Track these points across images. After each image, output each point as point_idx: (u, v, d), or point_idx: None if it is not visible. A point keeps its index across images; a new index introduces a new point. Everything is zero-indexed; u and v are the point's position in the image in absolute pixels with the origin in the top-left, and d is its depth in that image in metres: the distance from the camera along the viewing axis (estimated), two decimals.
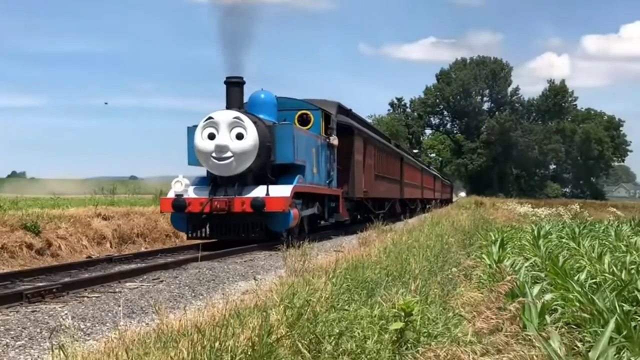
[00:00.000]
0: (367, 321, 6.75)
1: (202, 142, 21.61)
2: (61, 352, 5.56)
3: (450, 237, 16.84)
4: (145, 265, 16.41)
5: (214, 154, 21.48)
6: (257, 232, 21.35)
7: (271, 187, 21.46)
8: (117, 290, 12.11)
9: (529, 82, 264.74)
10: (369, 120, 59.85)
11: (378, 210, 37.02)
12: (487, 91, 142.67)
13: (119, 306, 10.04)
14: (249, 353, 5.39)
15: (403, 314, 6.46)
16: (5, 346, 7.79)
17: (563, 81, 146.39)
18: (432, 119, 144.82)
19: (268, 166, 22.59)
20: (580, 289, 8.33)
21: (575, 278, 9.50)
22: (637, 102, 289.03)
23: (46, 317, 9.41)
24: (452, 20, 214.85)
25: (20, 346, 7.85)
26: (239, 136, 21.46)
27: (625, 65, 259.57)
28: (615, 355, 5.30)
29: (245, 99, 23.42)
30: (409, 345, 6.27)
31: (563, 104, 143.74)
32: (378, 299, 7.59)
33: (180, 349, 5.29)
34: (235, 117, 21.53)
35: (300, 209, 23.35)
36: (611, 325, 5.88)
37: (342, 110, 30.68)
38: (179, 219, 21.97)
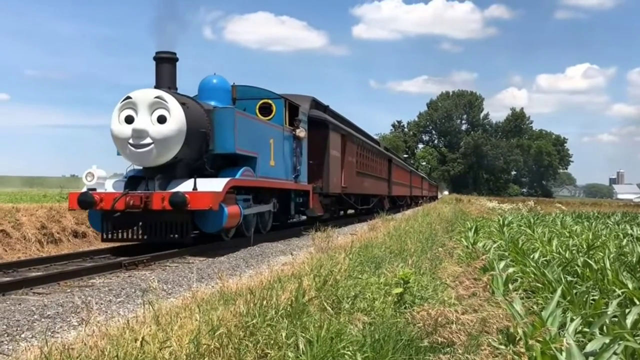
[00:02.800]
0: (375, 287, 6.42)
1: (118, 126, 12.41)
2: (150, 306, 5.13)
3: (437, 225, 16.51)
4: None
5: (131, 140, 12.28)
6: (183, 234, 12.08)
7: (200, 180, 12.32)
8: (190, 262, 11.11)
9: (496, 109, 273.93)
10: (375, 135, 49.39)
11: (362, 205, 27.58)
12: (464, 116, 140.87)
13: (192, 273, 9.49)
14: (288, 309, 5.05)
15: (402, 281, 6.20)
16: (109, 302, 7.28)
17: (522, 109, 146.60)
18: (423, 136, 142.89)
19: (207, 157, 13.30)
20: (535, 265, 8.04)
21: (531, 256, 9.01)
22: (578, 125, 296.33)
23: (139, 281, 8.69)
24: (439, 63, 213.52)
25: (119, 302, 7.35)
26: (161, 119, 12.26)
27: (569, 97, 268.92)
28: (561, 314, 5.11)
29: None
30: (406, 305, 5.93)
31: (522, 126, 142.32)
32: (383, 271, 7.25)
33: (238, 305, 5.06)
34: (157, 97, 12.32)
35: (248, 206, 14.06)
36: (558, 292, 5.63)
37: (317, 105, 21.36)
38: (95, 218, 12.68)
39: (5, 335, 5.68)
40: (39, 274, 9.16)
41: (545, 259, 9.10)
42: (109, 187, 12.66)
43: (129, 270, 9.98)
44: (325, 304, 5.45)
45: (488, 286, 7.02)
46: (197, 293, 6.28)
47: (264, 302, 5.13)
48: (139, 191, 12.25)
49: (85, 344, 4.18)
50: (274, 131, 15.74)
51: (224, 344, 4.25)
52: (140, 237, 12.36)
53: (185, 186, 12.20)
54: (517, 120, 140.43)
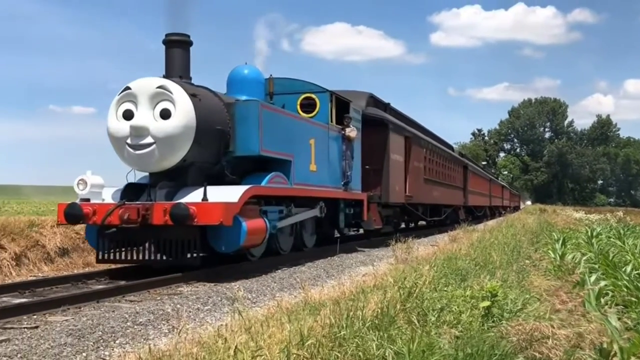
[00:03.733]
0: (461, 300, 6.20)
1: (115, 123, 10.09)
2: (239, 315, 5.20)
3: (521, 236, 15.76)
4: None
5: (129, 140, 9.89)
6: (193, 253, 9.64)
7: (213, 188, 9.84)
8: (272, 272, 10.62)
9: (581, 116, 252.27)
10: (455, 144, 44.19)
11: (432, 217, 24.58)
12: (548, 123, 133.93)
13: (275, 282, 9.45)
14: (375, 321, 4.94)
15: (490, 295, 5.93)
16: (197, 310, 7.25)
17: (608, 116, 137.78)
18: (505, 145, 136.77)
19: (226, 160, 10.80)
20: (627, 278, 7.64)
21: (623, 269, 8.46)
22: None
23: (224, 289, 8.59)
24: (521, 69, 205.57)
25: (207, 310, 7.33)
26: (165, 114, 9.84)
27: None
28: None
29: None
30: (494, 319, 5.68)
31: (608, 133, 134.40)
32: (469, 283, 7.03)
33: (324, 315, 4.97)
34: (160, 87, 9.92)
35: (277, 218, 11.46)
36: None
37: (376, 102, 18.62)
38: (92, 233, 10.35)
39: (101, 341, 5.77)
40: (131, 282, 8.81)
41: (638, 272, 8.48)
42: (107, 196, 10.30)
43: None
44: (411, 317, 5.33)
45: (580, 300, 6.81)
46: (282, 302, 6.38)
47: (350, 314, 5.01)
48: (139, 202, 9.82)
49: (178, 351, 4.28)
50: (315, 130, 13.12)
51: (313, 354, 4.27)
52: (142, 257, 9.91)
53: (195, 196, 9.73)
54: (603, 128, 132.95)
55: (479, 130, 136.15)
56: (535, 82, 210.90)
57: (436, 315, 5.56)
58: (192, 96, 10.00)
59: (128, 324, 6.36)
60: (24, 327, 6.18)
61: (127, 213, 9.52)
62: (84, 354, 5.28)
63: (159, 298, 7.94)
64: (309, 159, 12.69)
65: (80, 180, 10.21)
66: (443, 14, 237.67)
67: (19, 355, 5.15)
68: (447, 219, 27.34)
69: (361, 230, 18.60)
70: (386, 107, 19.20)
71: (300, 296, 6.86)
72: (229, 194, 9.77)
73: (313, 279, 10.02)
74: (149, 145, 9.77)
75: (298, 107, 13.74)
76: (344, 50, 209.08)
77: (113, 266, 10.48)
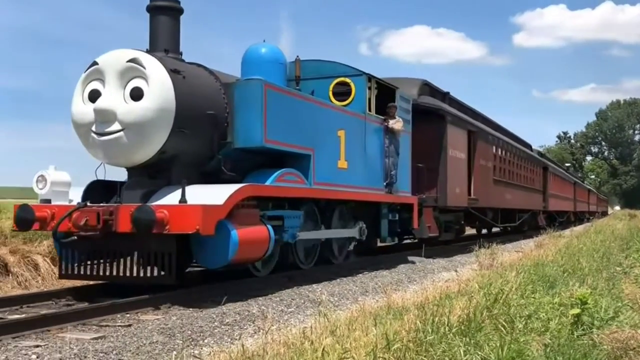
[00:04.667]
0: (549, 307, 5.98)
1: (80, 107, 8.04)
2: (323, 318, 5.26)
3: (611, 243, 14.72)
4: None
5: (94, 127, 7.79)
6: (166, 270, 7.46)
7: (196, 187, 7.65)
8: (353, 276, 10.30)
9: None
10: (540, 148, 38.60)
11: (505, 222, 21.71)
12: (638, 125, 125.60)
13: (356, 286, 9.30)
14: (461, 328, 4.85)
15: (579, 302, 5.63)
16: (281, 311, 7.24)
17: None
18: (592, 148, 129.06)
19: (224, 153, 8.60)
20: None
21: None
22: None
23: (307, 292, 8.47)
24: (608, 70, 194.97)
25: (290, 312, 7.34)
26: (136, 94, 7.70)
27: None
28: None
29: None
30: (584, 327, 5.36)
31: None
32: (557, 290, 6.82)
33: (409, 320, 4.94)
34: (130, 61, 7.75)
35: (297, 225, 9.14)
36: None
37: (433, 91, 16.05)
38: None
39: (191, 339, 5.75)
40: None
41: None
42: (78, 197, 8.26)
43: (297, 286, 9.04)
44: (498, 323, 5.13)
45: None
46: (365, 306, 6.47)
47: (435, 319, 4.91)
48: (104, 204, 7.72)
49: (266, 351, 4.30)
50: (347, 120, 10.76)
51: (400, 359, 4.21)
52: (110, 273, 7.80)
53: (174, 197, 7.57)
54: None
55: (565, 133, 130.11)
56: (623, 83, 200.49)
57: (523, 322, 5.36)
58: (173, 72, 7.86)
59: (215, 323, 6.39)
60: (118, 325, 6.20)
61: (84, 218, 7.43)
62: (174, 352, 5.27)
63: (244, 299, 7.69)
64: (336, 154, 10.34)
65: (39, 176, 8.22)
66: (527, 15, 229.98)
67: (114, 352, 5.21)
68: (523, 225, 24.36)
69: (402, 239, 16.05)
70: (444, 96, 16.58)
71: (382, 300, 6.91)
72: (215, 194, 7.57)
73: (395, 284, 9.81)
74: (115, 132, 7.67)
75: (330, 94, 11.43)
76: (424, 53, 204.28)
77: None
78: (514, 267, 8.89)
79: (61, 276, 8.23)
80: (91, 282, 8.27)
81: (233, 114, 8.62)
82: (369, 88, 11.51)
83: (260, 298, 7.85)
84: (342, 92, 11.45)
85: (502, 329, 5.00)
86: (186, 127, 7.91)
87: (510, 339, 4.63)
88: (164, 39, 8.43)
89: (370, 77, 11.53)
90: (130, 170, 8.33)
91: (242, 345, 4.44)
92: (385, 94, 12.46)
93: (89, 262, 7.89)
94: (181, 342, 5.64)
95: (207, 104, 8.26)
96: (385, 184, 12.03)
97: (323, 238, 10.21)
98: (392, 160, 12.15)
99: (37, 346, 5.31)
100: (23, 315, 6.65)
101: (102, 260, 7.82)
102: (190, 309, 6.99)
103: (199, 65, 8.82)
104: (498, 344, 4.44)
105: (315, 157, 9.66)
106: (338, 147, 10.40)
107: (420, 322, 4.80)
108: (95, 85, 7.92)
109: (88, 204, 7.70)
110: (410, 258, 13.30)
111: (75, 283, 8.61)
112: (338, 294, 8.52)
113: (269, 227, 8.33)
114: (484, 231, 23.60)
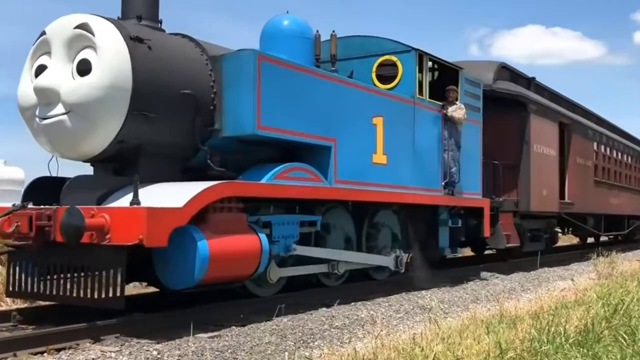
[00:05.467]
0: None
1: (26, 86, 6.49)
2: (434, 324, 5.30)
3: None
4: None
5: (37, 110, 6.24)
6: (114, 291, 5.72)
7: (159, 186, 5.97)
8: (464, 283, 9.94)
9: None
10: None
11: (609, 230, 18.80)
12: None
13: (467, 294, 8.93)
14: (578, 338, 4.72)
15: None
16: (389, 317, 7.02)
17: None
18: None
19: (211, 143, 6.84)
20: None
21: None
22: None
23: (416, 298, 8.33)
24: None
25: (399, 317, 7.10)
26: (83, 68, 6.08)
27: None
28: None
29: None
30: None
31: None
32: None
33: (523, 329, 4.82)
34: (79, 26, 6.14)
35: (290, 237, 7.24)
36: None
37: (512, 75, 13.60)
38: None
39: (301, 341, 5.76)
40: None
41: None
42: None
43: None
44: (618, 335, 4.90)
45: None
46: (476, 314, 6.34)
47: (551, 329, 4.81)
48: (42, 207, 6.14)
49: (376, 356, 4.33)
50: (386, 104, 8.77)
51: None
52: (55, 291, 6.21)
53: (125, 199, 5.92)
54: None
55: None
56: None
57: None
58: (133, 40, 6.17)
59: (325, 326, 6.40)
60: (233, 325, 6.20)
61: (14, 223, 5.86)
62: (286, 353, 5.28)
63: (352, 304, 7.67)
64: (370, 146, 8.37)
65: None
66: None
67: (229, 351, 5.26)
68: (634, 234, 21.25)
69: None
70: (529, 82, 14.11)
71: (495, 309, 6.94)
72: (176, 194, 5.81)
73: (507, 292, 9.45)
74: (58, 115, 6.08)
75: (373, 75, 9.48)
76: (538, 54, 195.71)
77: None
78: (636, 276, 8.74)
79: (8, 294, 6.70)
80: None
81: (221, 94, 6.85)
82: (420, 68, 9.45)
83: (368, 303, 7.79)
84: (388, 74, 9.47)
85: (623, 340, 4.81)
86: (150, 110, 6.23)
87: (632, 351, 4.48)
88: (138, 4, 6.78)
89: (422, 54, 9.47)
90: (94, 165, 6.75)
91: (354, 349, 4.49)
92: (446, 76, 10.38)
93: (37, 278, 6.31)
94: (293, 343, 5.67)
95: (183, 81, 6.55)
96: (443, 183, 9.90)
97: (333, 259, 8.13)
98: (452, 154, 10.01)
99: (158, 343, 5.39)
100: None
101: (48, 277, 6.22)
102: (301, 312, 6.96)
103: (184, 36, 7.11)
104: (618, 357, 4.35)
105: (337, 150, 7.75)
106: (373, 137, 8.42)
107: (535, 332, 4.76)
108: (43, 59, 6.39)
109: (30, 205, 6.14)
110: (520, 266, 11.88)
111: None
112: (448, 301, 8.29)
113: (262, 235, 6.50)
114: (590, 240, 20.70)
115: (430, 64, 9.97)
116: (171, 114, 6.47)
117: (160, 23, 6.99)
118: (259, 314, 6.62)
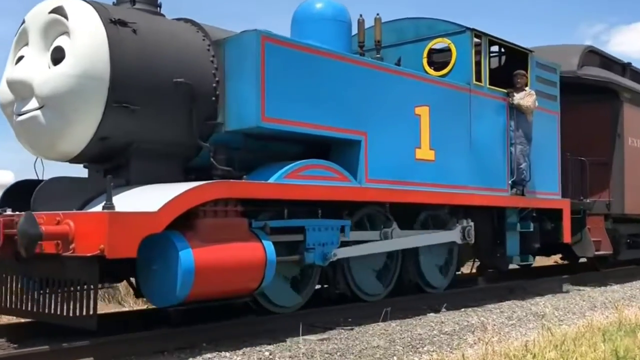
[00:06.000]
0: None
1: (4, 78, 5.87)
2: (547, 331, 5.27)
3: None
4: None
5: (15, 106, 5.63)
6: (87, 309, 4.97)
7: (150, 189, 5.24)
8: (581, 290, 9.78)
9: None
10: None
11: None
12: None
13: (584, 301, 8.64)
14: None
15: None
16: (501, 323, 6.84)
17: None
18: None
19: (215, 139, 6.03)
20: None
21: None
22: None
23: (529, 305, 8.12)
24: None
25: (512, 324, 6.92)
26: (58, 56, 5.42)
27: None
28: None
29: None
30: None
31: None
32: None
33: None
34: (53, 11, 5.49)
35: (330, 244, 6.32)
36: None
37: (603, 60, 11.97)
38: None
39: (410, 346, 5.71)
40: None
41: None
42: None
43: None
44: None
45: None
46: (593, 322, 6.22)
47: None
48: (14, 213, 5.51)
49: None
50: (432, 92, 7.67)
51: None
52: (29, 307, 5.55)
53: (100, 203, 5.19)
54: None
55: None
56: None
57: None
58: (114, 23, 5.44)
59: (434, 332, 6.30)
60: (342, 328, 6.25)
61: None
62: (395, 357, 5.31)
63: (462, 310, 7.56)
64: (412, 139, 7.31)
65: None
66: None
67: (338, 354, 5.29)
68: None
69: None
70: (624, 68, 12.47)
71: (613, 316, 6.77)
72: (159, 197, 5.02)
73: (627, 299, 9.02)
74: (31, 110, 5.44)
75: (424, 61, 8.42)
76: None
77: None
78: None
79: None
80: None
81: (224, 82, 6.02)
82: (478, 50, 8.28)
83: (478, 309, 7.70)
84: (442, 60, 8.40)
85: None
86: (134, 102, 5.49)
87: None
88: None
89: (479, 34, 8.31)
90: (87, 167, 6.08)
91: (463, 355, 4.54)
92: (514, 61, 9.16)
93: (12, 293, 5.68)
94: (401, 348, 5.61)
95: (177, 68, 5.76)
96: (510, 181, 8.66)
97: (388, 251, 7.18)
98: (520, 148, 8.75)
99: (269, 344, 5.50)
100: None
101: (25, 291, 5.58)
102: (409, 317, 6.92)
103: (187, 21, 6.34)
104: None
105: (368, 145, 6.74)
106: (416, 130, 7.36)
107: None
108: (23, 51, 5.78)
109: (8, 211, 5.52)
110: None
111: None
112: (563, 308, 8.02)
113: (266, 243, 5.60)
114: None
115: (495, 48, 8.80)
116: (163, 107, 5.71)
117: (159, 7, 6.26)
118: (366, 318, 6.61)
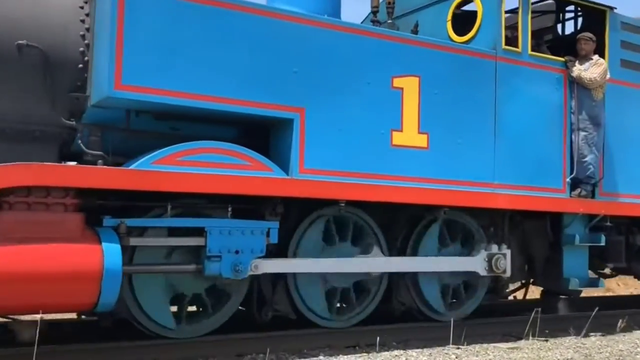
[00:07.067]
0: None
1: None
2: None
3: None
4: None
5: None
6: None
7: None
8: None
9: None
10: None
11: None
12: None
13: None
14: None
15: None
16: None
17: None
18: None
19: (90, 118, 4.86)
20: None
21: None
22: None
23: None
24: None
25: None
26: None
27: None
28: None
29: None
30: None
31: None
32: None
33: None
34: None
35: (257, 249, 4.90)
36: None
37: None
38: None
39: None
40: None
41: None
42: None
43: None
44: None
45: None
46: None
47: None
48: None
49: None
50: (427, 57, 5.80)
51: None
52: None
53: None
54: None
55: None
56: None
57: None
58: None
59: (638, 349, 5.89)
60: (535, 339, 6.00)
61: None
62: None
63: None
64: (386, 119, 5.53)
65: None
66: None
67: None
68: None
69: None
70: None
71: None
72: None
73: None
74: None
75: (448, 25, 6.56)
76: None
77: None
78: None
79: None
80: None
81: (93, 46, 4.81)
82: (501, 6, 6.26)
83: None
84: (463, 18, 6.53)
85: None
86: None
87: None
88: None
89: None
90: None
91: None
92: (595, 24, 6.98)
93: None
94: None
95: (27, 30, 4.64)
96: (569, 179, 6.46)
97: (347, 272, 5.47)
98: (585, 136, 6.51)
99: (457, 348, 5.57)
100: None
101: None
102: (612, 333, 6.63)
103: None
104: None
105: (306, 124, 5.12)
106: (395, 107, 5.56)
107: None
108: None
109: None
110: None
111: None
112: None
113: (109, 246, 4.27)
114: None
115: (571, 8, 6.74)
116: (3, 76, 4.60)
117: None
118: (565, 331, 6.43)
